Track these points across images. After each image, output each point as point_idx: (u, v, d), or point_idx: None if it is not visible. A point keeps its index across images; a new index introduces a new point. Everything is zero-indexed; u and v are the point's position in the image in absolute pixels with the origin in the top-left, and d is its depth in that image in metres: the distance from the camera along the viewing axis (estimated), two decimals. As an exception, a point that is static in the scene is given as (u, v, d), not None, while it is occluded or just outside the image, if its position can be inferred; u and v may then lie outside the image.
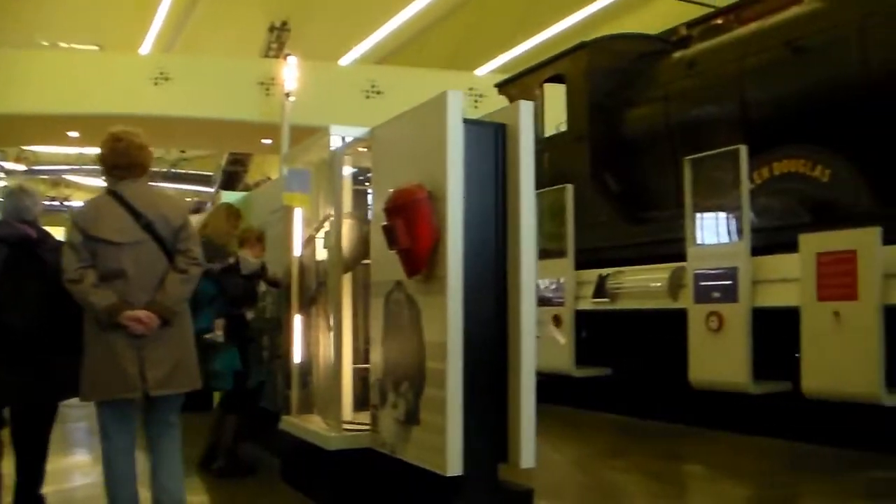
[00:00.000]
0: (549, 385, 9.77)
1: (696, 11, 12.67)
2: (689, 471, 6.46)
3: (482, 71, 25.93)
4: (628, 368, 9.36)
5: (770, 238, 7.58)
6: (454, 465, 4.10)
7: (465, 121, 4.28)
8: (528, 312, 4.27)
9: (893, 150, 7.62)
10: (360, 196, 5.53)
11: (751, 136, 8.41)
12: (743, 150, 7.25)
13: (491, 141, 4.37)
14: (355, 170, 5.53)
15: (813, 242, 6.63)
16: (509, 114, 4.43)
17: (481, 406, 4.22)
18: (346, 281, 5.33)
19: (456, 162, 4.18)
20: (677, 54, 10.04)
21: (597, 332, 9.72)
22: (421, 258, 4.23)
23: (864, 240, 6.31)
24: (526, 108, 4.39)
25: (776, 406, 7.30)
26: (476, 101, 19.87)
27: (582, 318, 9.30)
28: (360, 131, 5.24)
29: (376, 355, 4.89)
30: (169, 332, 4.30)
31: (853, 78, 7.67)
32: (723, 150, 7.49)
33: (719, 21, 10.79)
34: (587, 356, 9.47)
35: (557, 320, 9.24)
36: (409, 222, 4.22)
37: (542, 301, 9.46)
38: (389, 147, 4.95)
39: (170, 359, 4.30)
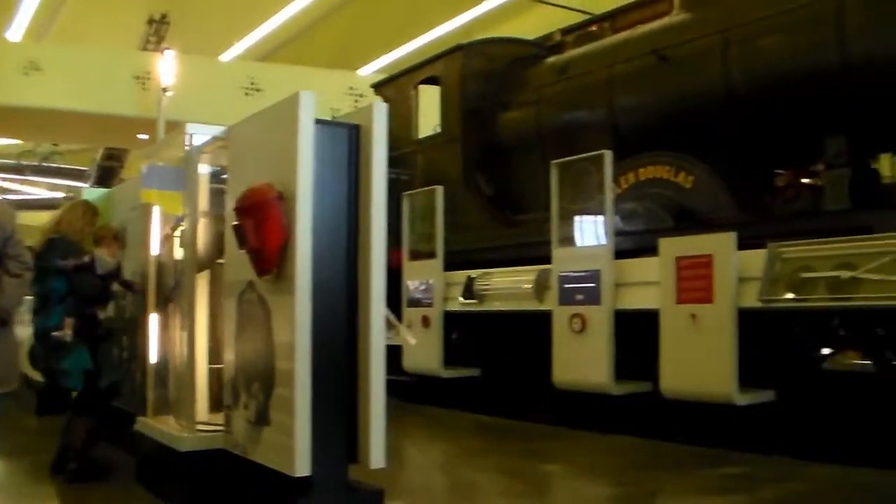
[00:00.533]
0: (420, 385, 9.83)
1: (575, 18, 12.90)
2: (548, 470, 6.53)
3: (366, 71, 25.88)
4: (497, 369, 9.46)
5: (634, 242, 7.76)
6: (302, 466, 4.06)
7: (319, 121, 4.24)
8: (377, 313, 4.24)
9: (752, 158, 7.89)
10: (218, 195, 5.43)
11: (619, 141, 8.59)
12: (607, 155, 7.38)
13: (344, 142, 4.35)
14: (217, 168, 5.43)
15: (672, 246, 6.80)
16: (364, 115, 4.41)
17: (330, 406, 4.18)
18: (202, 280, 5.22)
19: (306, 162, 4.13)
20: (550, 59, 10.18)
21: (468, 333, 9.80)
22: (270, 258, 4.18)
23: (720, 244, 6.49)
24: (380, 109, 4.38)
25: (638, 406, 7.46)
26: (356, 101, 19.85)
27: (454, 319, 9.35)
28: (217, 129, 5.15)
29: (229, 355, 4.81)
30: (3, 332, 4.16)
31: (715, 88, 7.88)
32: (588, 154, 7.61)
33: (594, 28, 10.98)
34: (458, 357, 9.54)
35: (426, 321, 9.26)
36: (258, 222, 4.17)
37: (412, 302, 9.49)
38: (245, 146, 4.88)
39: (3, 359, 4.16)
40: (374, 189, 4.30)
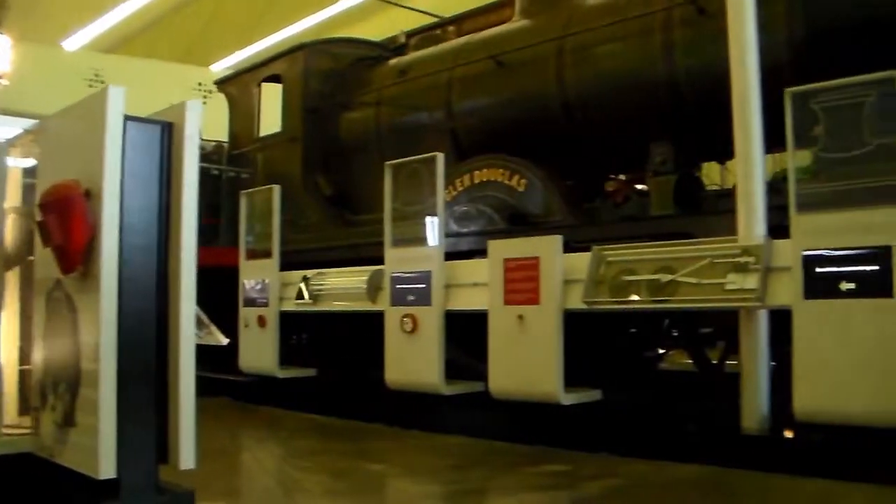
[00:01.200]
0: (258, 386, 9.71)
1: (426, 21, 12.95)
2: (374, 469, 6.55)
3: (220, 66, 25.40)
4: (333, 369, 9.45)
5: (468, 243, 7.87)
6: (107, 468, 3.94)
7: (129, 118, 4.14)
8: (187, 312, 4.17)
9: (585, 163, 8.10)
10: (32, 190, 5.23)
11: (457, 144, 8.72)
12: (439, 157, 7.43)
13: (156, 139, 4.24)
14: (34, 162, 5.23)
15: (500, 249, 6.90)
16: (177, 112, 4.32)
17: (139, 407, 4.08)
18: (13, 277, 5.03)
19: (113, 159, 4.02)
20: (393, 61, 10.24)
21: (306, 333, 9.76)
22: (74, 256, 4.06)
23: (546, 247, 6.62)
24: (193, 107, 4.30)
25: (470, 405, 7.55)
26: (205, 97, 19.46)
27: (292, 319, 9.28)
28: (29, 122, 4.97)
29: (38, 355, 4.64)
30: None
31: (550, 94, 8.06)
32: (421, 156, 7.66)
33: (437, 32, 11.07)
34: (297, 357, 9.49)
35: (262, 321, 9.16)
36: (63, 219, 4.04)
37: (248, 302, 9.38)
38: (55, 140, 4.71)
39: None
40: (186, 187, 4.21)
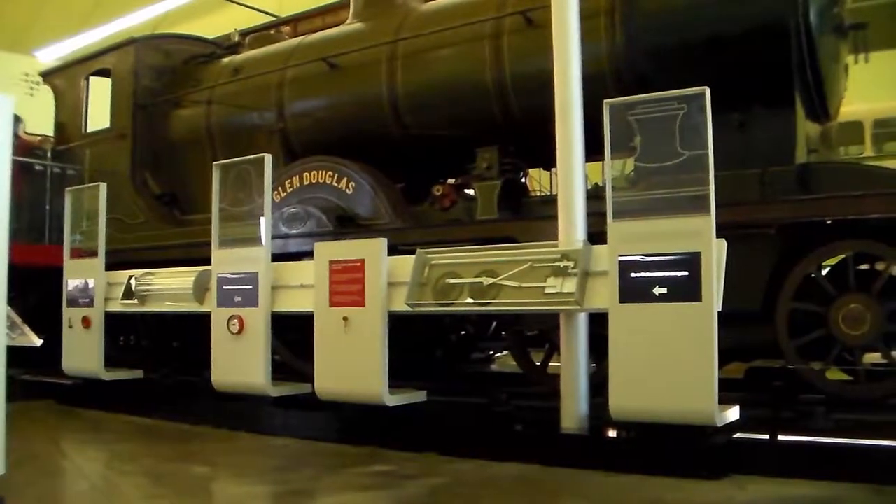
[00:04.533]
0: (84, 388, 9.42)
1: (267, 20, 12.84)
2: (197, 472, 6.44)
3: (48, 55, 24.43)
4: (161, 371, 9.26)
5: (297, 245, 7.85)
6: None
7: (-69, 111, 3.99)
8: (-3, 311, 4.04)
9: (415, 167, 8.20)
10: None
11: (288, 144, 8.69)
12: (267, 158, 7.38)
13: (-39, 133, 4.11)
14: None
15: (326, 251, 6.92)
16: (-17, 106, 4.19)
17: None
18: None
19: None
20: (226, 60, 10.13)
21: (134, 334, 9.54)
22: None
23: (371, 250, 6.67)
24: (3, 102, 4.17)
25: (297, 407, 7.53)
26: (32, 89, 18.71)
27: (120, 319, 9.05)
28: None
29: None
30: None
31: (381, 97, 8.14)
32: (249, 157, 7.59)
33: (272, 31, 11.00)
34: (125, 358, 9.26)
35: (87, 322, 8.89)
36: None
37: (72, 302, 9.09)
38: None
39: None
40: (-6, 183, 4.09)
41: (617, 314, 5.60)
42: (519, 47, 7.55)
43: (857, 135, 14.77)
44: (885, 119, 14.81)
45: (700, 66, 6.72)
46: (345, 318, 6.68)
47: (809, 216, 6.20)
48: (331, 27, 9.67)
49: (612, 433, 6.06)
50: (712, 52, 6.76)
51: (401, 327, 6.79)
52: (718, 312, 5.40)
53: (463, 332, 8.50)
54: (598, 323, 5.89)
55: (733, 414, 5.65)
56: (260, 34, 10.83)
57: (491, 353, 9.02)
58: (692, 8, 6.93)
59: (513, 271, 6.12)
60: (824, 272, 6.58)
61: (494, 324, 8.16)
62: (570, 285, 5.84)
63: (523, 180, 8.44)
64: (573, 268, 5.88)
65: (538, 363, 7.50)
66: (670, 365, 5.41)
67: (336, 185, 7.91)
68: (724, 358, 6.69)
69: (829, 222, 6.31)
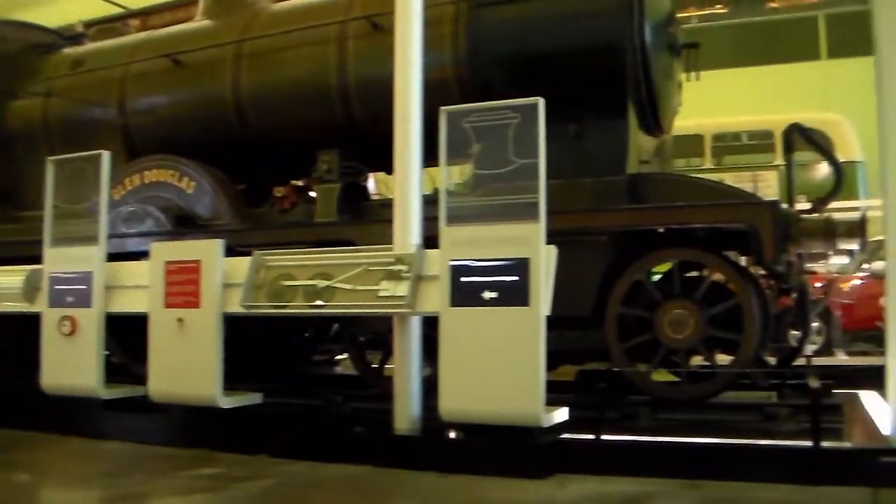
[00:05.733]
0: None
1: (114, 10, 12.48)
2: (20, 480, 6.23)
3: None
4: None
5: (135, 244, 7.70)
6: None
7: None
8: None
9: (258, 168, 8.15)
10: None
11: (129, 142, 8.52)
12: (105, 155, 7.21)
13: None
14: None
15: (162, 251, 6.81)
16: None
17: None
18: None
19: None
20: (67, 51, 9.86)
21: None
22: None
23: (207, 251, 6.60)
24: None
25: (131, 410, 7.37)
26: None
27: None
28: None
29: None
30: None
31: (225, 98, 8.07)
32: (86, 153, 7.40)
33: (118, 24, 10.75)
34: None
35: None
36: None
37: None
38: None
39: None
40: None
41: (448, 317, 5.70)
42: (364, 52, 7.61)
43: (698, 148, 15.37)
44: (723, 133, 15.45)
45: (540, 76, 6.93)
46: (179, 320, 6.59)
47: (637, 225, 6.44)
48: (182, 22, 9.49)
49: (444, 434, 6.15)
50: (551, 64, 6.98)
51: (239, 329, 6.73)
52: (549, 316, 5.57)
53: (306, 335, 8.46)
54: (435, 326, 5.97)
55: (561, 415, 5.82)
56: (105, 26, 10.53)
57: (333, 355, 9.02)
58: (533, 20, 7.12)
59: (347, 274, 6.15)
60: (657, 279, 6.83)
61: (336, 326, 8.16)
62: (402, 289, 5.91)
63: (371, 184, 8.50)
64: (406, 271, 5.95)
65: (376, 365, 7.55)
66: (499, 367, 5.54)
67: (176, 184, 7.82)
68: (557, 360, 6.90)
69: (661, 231, 6.58)
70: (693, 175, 8.22)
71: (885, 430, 5.62)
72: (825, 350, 11.84)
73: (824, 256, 6.82)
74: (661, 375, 6.90)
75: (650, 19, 7.04)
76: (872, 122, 5.57)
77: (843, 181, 6.86)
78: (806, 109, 14.27)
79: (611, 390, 6.24)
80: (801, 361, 7.30)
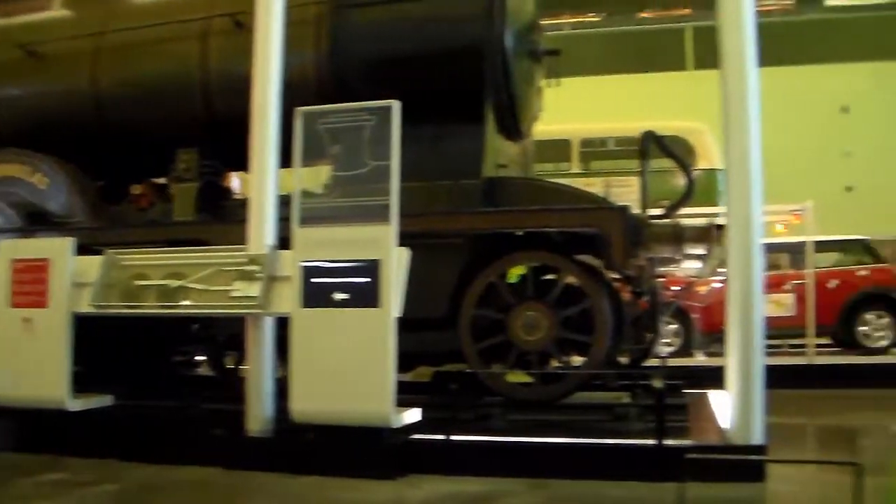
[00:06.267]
0: None
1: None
2: None
3: None
4: None
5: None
6: None
7: None
8: None
9: (117, 165, 7.97)
10: None
11: (-21, 134, 8.21)
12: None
13: None
14: None
15: (9, 249, 6.62)
16: None
17: None
18: None
19: None
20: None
21: None
22: None
23: (57, 249, 6.45)
24: None
25: None
26: None
27: None
28: None
29: None
30: None
31: (83, 92, 7.88)
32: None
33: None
34: None
35: None
36: None
37: None
38: None
39: None
40: None
41: (299, 318, 5.70)
42: (226, 49, 7.53)
43: (566, 152, 15.64)
44: (591, 139, 15.76)
45: (400, 79, 6.96)
46: (26, 320, 6.40)
47: (490, 228, 6.53)
48: (39, 11, 9.18)
49: (295, 436, 6.12)
50: (412, 67, 7.03)
51: (95, 330, 6.56)
52: (405, 318, 5.61)
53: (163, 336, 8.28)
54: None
55: (413, 416, 5.87)
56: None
57: (193, 356, 8.86)
58: (395, 23, 7.18)
59: (199, 274, 6.09)
60: (516, 281, 6.93)
61: (196, 327, 8.03)
62: (255, 289, 5.89)
63: (236, 183, 8.40)
64: (259, 272, 5.92)
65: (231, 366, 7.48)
66: (350, 368, 5.58)
67: (28, 179, 7.59)
68: (413, 361, 6.96)
69: (520, 233, 6.68)
70: (550, 180, 8.35)
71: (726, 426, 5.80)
72: (684, 351, 12.20)
73: (676, 260, 7.02)
74: (517, 377, 7.00)
75: (511, 26, 7.14)
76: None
77: (694, 188, 7.07)
78: (672, 118, 14.66)
79: (464, 391, 6.30)
80: (657, 362, 7.51)
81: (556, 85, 8.07)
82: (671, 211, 6.87)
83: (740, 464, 5.26)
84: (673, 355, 11.36)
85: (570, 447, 5.74)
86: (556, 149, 15.30)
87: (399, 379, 5.75)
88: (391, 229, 5.57)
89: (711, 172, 13.90)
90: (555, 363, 6.92)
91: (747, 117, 5.60)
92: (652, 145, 6.99)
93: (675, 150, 7.21)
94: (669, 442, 5.46)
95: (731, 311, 5.58)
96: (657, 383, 5.69)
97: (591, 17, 22.79)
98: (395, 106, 5.68)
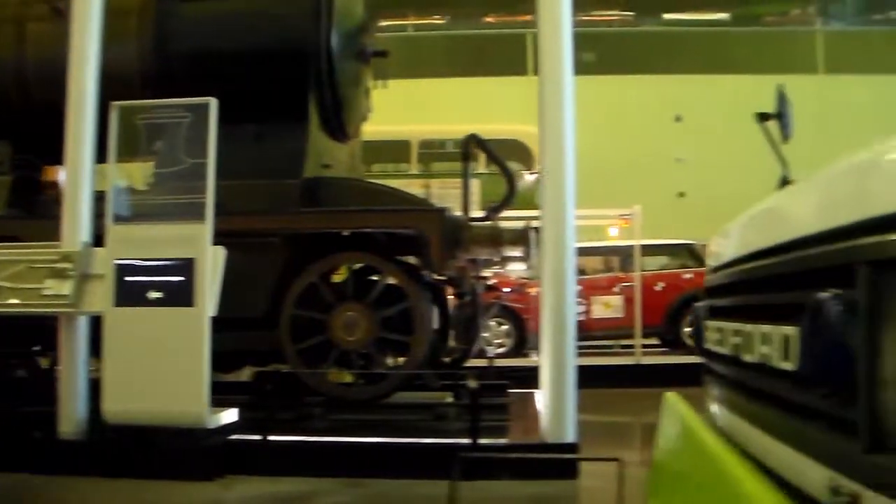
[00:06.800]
0: None
1: None
2: None
3: None
4: None
5: None
6: None
7: None
8: None
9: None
10: None
11: None
12: None
13: None
14: None
15: None
16: None
17: None
18: None
19: None
20: None
21: None
22: None
23: None
24: None
25: None
26: None
27: None
28: None
29: None
30: None
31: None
32: None
33: None
34: None
35: None
36: None
37: None
38: None
39: None
40: None
41: (112, 317, 5.59)
42: (44, 37, 7.27)
43: (406, 153, 15.74)
44: (430, 140, 15.91)
45: (224, 75, 6.88)
46: None
47: (307, 228, 6.54)
48: None
49: (108, 437, 5.97)
50: (236, 64, 6.95)
51: None
52: (225, 317, 5.56)
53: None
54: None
55: (229, 416, 5.82)
56: None
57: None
58: (220, 18, 7.10)
59: (8, 271, 5.88)
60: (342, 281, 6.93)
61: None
62: (67, 287, 5.73)
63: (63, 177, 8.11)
64: (72, 270, 5.76)
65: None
66: (164, 368, 5.50)
67: None
68: (236, 361, 6.90)
69: (347, 234, 6.69)
70: (373, 181, 8.37)
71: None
72: (516, 351, 12.41)
73: (496, 262, 7.15)
74: (342, 377, 7.02)
75: (338, 27, 7.14)
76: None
77: (515, 190, 7.21)
78: (512, 121, 14.89)
79: (282, 392, 6.28)
80: (485, 363, 7.67)
81: (383, 86, 8.11)
82: (493, 213, 6.99)
83: (554, 461, 5.41)
84: (505, 355, 11.55)
85: (386, 446, 5.80)
86: (397, 149, 15.39)
87: (223, 379, 5.71)
88: (206, 228, 5.51)
89: (549, 175, 14.14)
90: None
91: (562, 123, 5.76)
92: (475, 148, 7.11)
93: (497, 153, 7.35)
94: (484, 441, 5.56)
95: (545, 312, 5.74)
96: (472, 383, 5.80)
97: (437, 20, 22.93)
98: (213, 104, 5.62)
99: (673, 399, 2.37)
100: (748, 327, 1.64)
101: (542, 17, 5.86)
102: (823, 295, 1.19)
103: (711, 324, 2.09)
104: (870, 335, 1.10)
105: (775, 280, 1.55)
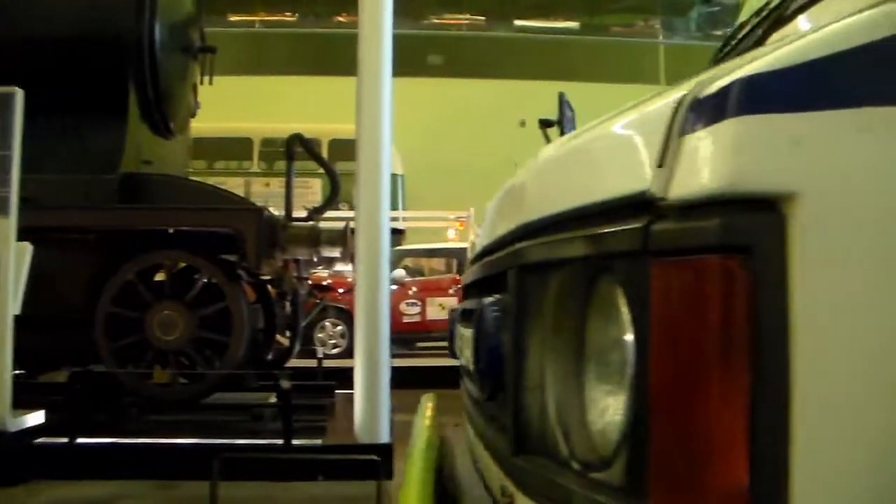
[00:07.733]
0: None
1: None
2: None
3: None
4: None
5: None
6: None
7: None
8: None
9: None
10: None
11: None
12: None
13: None
14: None
15: None
16: None
17: None
18: None
19: None
20: None
21: None
22: None
23: None
24: None
25: None
26: None
27: None
28: None
29: None
30: None
31: None
32: None
33: None
34: None
35: None
36: None
37: None
38: None
39: None
40: None
41: None
42: None
43: (248, 151, 15.58)
44: (272, 138, 15.80)
45: (39, 64, 6.64)
46: None
47: (121, 225, 6.39)
48: None
49: None
50: (53, 53, 6.72)
51: None
52: (37, 316, 5.38)
53: None
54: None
55: (34, 419, 5.62)
56: None
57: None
58: (36, 4, 6.85)
59: None
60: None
61: None
62: None
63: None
64: None
65: None
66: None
67: None
68: (51, 361, 6.68)
69: (171, 231, 6.56)
70: (194, 179, 8.22)
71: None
72: (351, 353, 12.37)
73: (318, 263, 7.15)
74: (163, 376, 6.88)
75: (162, 18, 6.99)
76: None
77: (339, 191, 7.21)
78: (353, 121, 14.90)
79: (101, 392, 6.12)
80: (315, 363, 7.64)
81: (209, 83, 7.99)
82: (316, 213, 6.99)
83: (367, 462, 5.41)
84: (339, 356, 11.53)
85: (198, 448, 5.69)
86: (239, 147, 15.20)
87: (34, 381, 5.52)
88: (10, 223, 5.29)
89: (394, 177, 14.22)
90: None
91: (380, 124, 5.80)
92: (298, 148, 7.09)
93: (320, 153, 7.35)
94: (298, 442, 5.54)
95: (358, 313, 5.76)
96: (284, 384, 5.76)
97: (287, 17, 22.75)
98: (18, 94, 5.40)
99: (427, 400, 2.40)
100: (462, 330, 1.68)
101: (362, 18, 5.90)
102: (487, 300, 1.24)
103: (459, 326, 2.11)
104: (516, 340, 1.14)
105: (481, 282, 1.60)
